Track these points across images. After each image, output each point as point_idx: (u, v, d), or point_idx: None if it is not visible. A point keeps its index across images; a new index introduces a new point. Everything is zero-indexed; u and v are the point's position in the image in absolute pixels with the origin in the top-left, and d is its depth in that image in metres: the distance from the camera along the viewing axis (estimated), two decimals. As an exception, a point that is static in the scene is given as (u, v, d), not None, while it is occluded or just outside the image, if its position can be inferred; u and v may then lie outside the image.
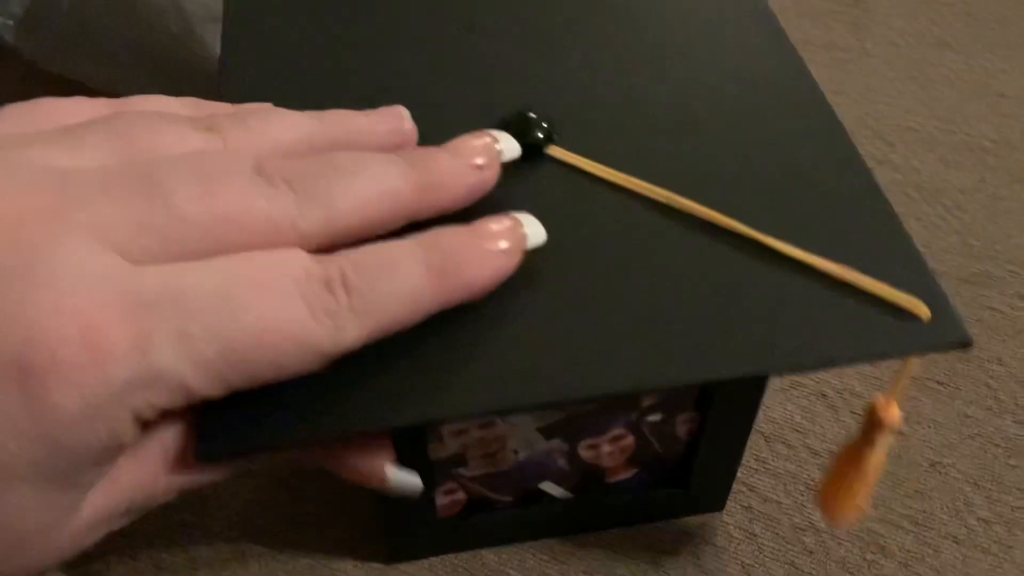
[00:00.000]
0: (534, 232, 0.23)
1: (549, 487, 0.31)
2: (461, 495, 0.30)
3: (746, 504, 0.34)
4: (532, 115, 0.25)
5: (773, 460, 0.35)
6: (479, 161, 0.23)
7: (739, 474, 0.35)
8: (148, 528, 0.33)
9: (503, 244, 0.22)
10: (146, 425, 0.19)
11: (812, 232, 0.24)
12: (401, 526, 0.31)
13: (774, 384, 0.38)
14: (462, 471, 0.29)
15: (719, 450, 0.31)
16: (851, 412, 0.37)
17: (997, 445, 0.36)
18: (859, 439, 0.24)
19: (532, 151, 0.25)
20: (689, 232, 0.24)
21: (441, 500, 0.30)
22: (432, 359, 0.21)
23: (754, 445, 0.36)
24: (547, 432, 0.28)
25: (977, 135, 0.50)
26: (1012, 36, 0.57)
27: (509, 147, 0.24)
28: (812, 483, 0.35)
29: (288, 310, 0.18)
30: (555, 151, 0.25)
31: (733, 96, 0.28)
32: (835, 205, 0.25)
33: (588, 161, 0.25)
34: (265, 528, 0.33)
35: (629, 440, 0.30)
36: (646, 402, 0.28)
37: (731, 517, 0.34)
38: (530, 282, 0.23)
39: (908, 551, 0.32)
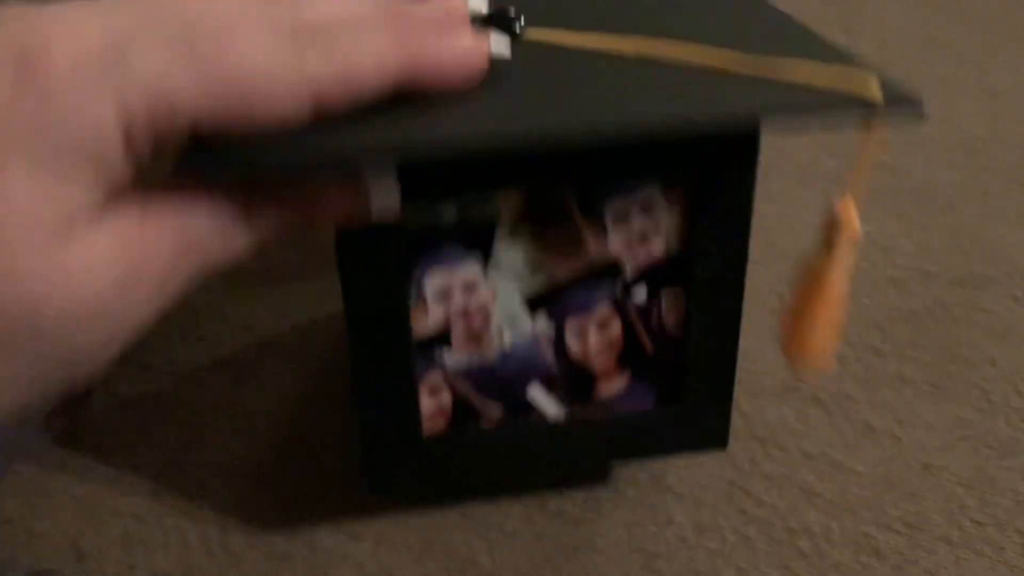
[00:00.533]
0: (497, 42, 0.24)
1: (538, 394, 0.30)
2: (446, 397, 0.30)
3: (740, 507, 0.34)
4: (511, 11, 0.28)
5: (767, 463, 0.36)
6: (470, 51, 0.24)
7: (732, 477, 0.35)
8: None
9: (468, 42, 0.23)
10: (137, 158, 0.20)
11: (756, 51, 0.25)
12: (384, 445, 0.29)
13: (768, 388, 0.38)
14: (446, 357, 0.29)
15: (709, 346, 0.30)
16: (845, 415, 0.37)
17: (990, 447, 0.36)
18: (819, 249, 0.23)
19: (512, 35, 0.27)
20: (663, 66, 0.25)
21: (426, 404, 0.30)
22: (419, 112, 0.23)
23: (748, 447, 0.36)
24: (531, 303, 0.28)
25: (969, 134, 0.50)
26: (1004, 34, 0.57)
27: (497, 43, 0.25)
28: (805, 485, 0.35)
29: (254, 38, 0.21)
30: (532, 33, 0.27)
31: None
32: (775, 43, 0.26)
33: (562, 33, 0.27)
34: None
35: (616, 327, 0.29)
36: (628, 269, 0.28)
37: (726, 520, 0.34)
38: (511, 73, 0.25)
39: (901, 554, 0.33)
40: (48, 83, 0.19)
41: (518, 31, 0.27)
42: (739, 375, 0.39)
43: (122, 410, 0.39)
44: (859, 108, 0.22)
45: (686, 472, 0.35)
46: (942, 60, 0.55)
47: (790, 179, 0.48)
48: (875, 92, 0.21)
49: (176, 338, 0.41)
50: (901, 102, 0.21)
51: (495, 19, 0.28)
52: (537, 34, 0.27)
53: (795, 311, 0.24)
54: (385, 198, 0.24)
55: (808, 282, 0.23)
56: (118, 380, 0.40)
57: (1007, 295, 0.42)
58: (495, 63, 0.24)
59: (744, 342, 0.40)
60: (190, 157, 0.21)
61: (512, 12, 0.28)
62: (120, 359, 0.40)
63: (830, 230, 0.23)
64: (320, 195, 0.23)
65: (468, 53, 0.23)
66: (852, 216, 0.22)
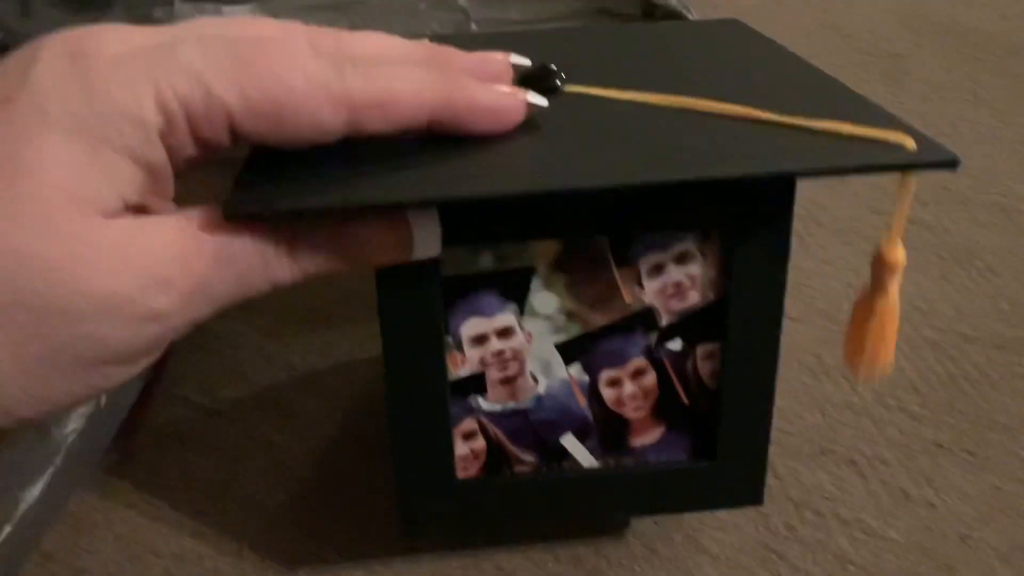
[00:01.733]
0: (535, 97, 0.25)
1: (571, 443, 0.30)
2: (480, 442, 0.30)
3: (775, 572, 0.34)
4: (552, 66, 0.29)
5: (802, 528, 0.36)
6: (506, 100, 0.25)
7: (767, 540, 0.35)
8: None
9: (506, 88, 0.25)
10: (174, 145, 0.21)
11: (793, 109, 0.26)
12: (418, 488, 0.30)
13: (804, 450, 0.38)
14: (481, 402, 0.29)
15: (744, 400, 0.30)
16: (880, 481, 0.37)
17: (1028, 519, 0.36)
18: (870, 287, 0.25)
19: (552, 90, 0.28)
20: (697, 118, 0.26)
21: (460, 449, 0.30)
22: (462, 158, 0.24)
23: (783, 511, 0.36)
24: (565, 351, 0.29)
25: (1010, 195, 0.50)
26: (1047, 93, 0.57)
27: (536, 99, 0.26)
28: (840, 552, 0.35)
29: (296, 54, 0.22)
30: (571, 88, 0.28)
31: (716, 60, 0.32)
32: (813, 98, 0.27)
33: (599, 88, 0.28)
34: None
35: (651, 378, 0.30)
36: (663, 320, 0.29)
37: (759, 585, 0.34)
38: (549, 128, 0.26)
39: (937, 627, 0.33)
40: (94, 70, 0.21)
41: (559, 85, 0.28)
42: (775, 435, 0.38)
43: (165, 446, 0.39)
44: (894, 160, 0.23)
45: (720, 534, 0.35)
46: (984, 117, 0.55)
47: (831, 236, 0.49)
48: (910, 144, 0.22)
49: (219, 375, 0.42)
50: (936, 154, 0.23)
51: (538, 73, 0.29)
52: (577, 88, 0.28)
53: (855, 338, 0.26)
54: (427, 239, 0.25)
55: (863, 314, 0.25)
56: (161, 416, 0.40)
57: (1047, 363, 0.41)
58: (537, 114, 0.26)
59: (781, 402, 0.40)
60: (237, 197, 0.22)
61: (554, 67, 0.29)
62: (163, 395, 0.41)
63: (880, 270, 0.25)
64: (365, 234, 0.24)
65: (505, 98, 0.24)
66: (899, 254, 0.24)
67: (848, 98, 0.27)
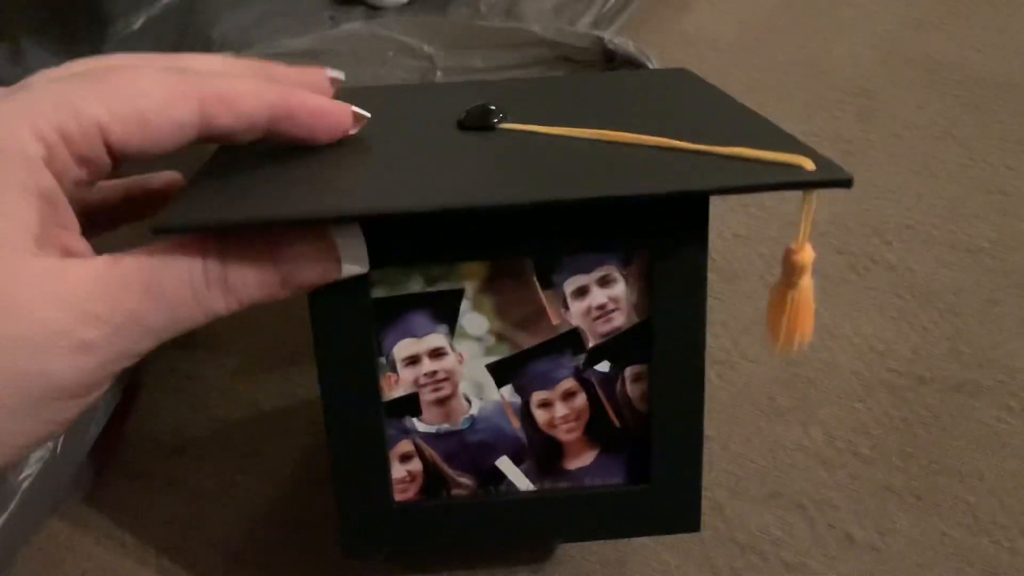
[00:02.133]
0: (360, 109, 0.28)
1: (507, 466, 0.31)
2: (417, 464, 0.31)
3: (717, 616, 0.35)
4: (491, 106, 0.31)
5: (747, 572, 0.36)
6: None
7: (712, 585, 0.35)
8: None
9: (331, 99, 0.28)
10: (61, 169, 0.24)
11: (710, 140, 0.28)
12: (357, 510, 0.31)
13: (753, 492, 0.39)
14: (416, 423, 0.30)
15: (674, 421, 0.31)
16: (828, 524, 0.38)
17: (972, 565, 0.36)
18: (781, 285, 0.27)
19: (489, 127, 0.31)
20: (619, 148, 0.28)
21: (397, 471, 0.31)
22: (386, 179, 0.27)
23: (729, 554, 0.37)
24: (496, 372, 0.30)
25: (975, 234, 0.50)
26: (1020, 131, 0.57)
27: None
28: (783, 598, 0.35)
29: (144, 69, 0.25)
30: (507, 125, 0.31)
31: (644, 96, 0.35)
32: (733, 131, 0.29)
33: (533, 126, 0.30)
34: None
35: (581, 399, 0.31)
36: (590, 342, 0.30)
37: (701, 629, 0.34)
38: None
39: (874, 673, 0.33)
40: None
41: (495, 122, 0.31)
42: (725, 478, 0.39)
43: (132, 484, 0.41)
44: (792, 178, 0.25)
45: (665, 577, 0.36)
46: (954, 155, 0.56)
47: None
48: (809, 165, 0.25)
49: (187, 415, 0.43)
50: (831, 173, 0.25)
51: (476, 111, 0.30)
52: (512, 126, 0.30)
53: (773, 321, 0.28)
54: (353, 255, 0.27)
55: (778, 307, 0.28)
56: (129, 454, 0.42)
57: (1001, 405, 0.42)
58: (467, 144, 0.28)
59: (732, 444, 0.41)
60: (162, 216, 0.24)
61: (492, 107, 0.30)
62: (132, 433, 0.42)
63: (791, 272, 0.27)
64: (290, 253, 0.25)
65: (333, 105, 0.28)
66: (809, 256, 0.27)
67: (766, 130, 0.29)
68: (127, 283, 0.23)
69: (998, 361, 0.44)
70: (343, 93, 0.32)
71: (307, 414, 0.43)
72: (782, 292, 0.27)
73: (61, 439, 0.34)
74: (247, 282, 0.25)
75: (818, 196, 0.25)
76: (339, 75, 0.29)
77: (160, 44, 0.53)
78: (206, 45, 0.55)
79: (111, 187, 0.30)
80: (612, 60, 0.45)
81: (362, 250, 0.27)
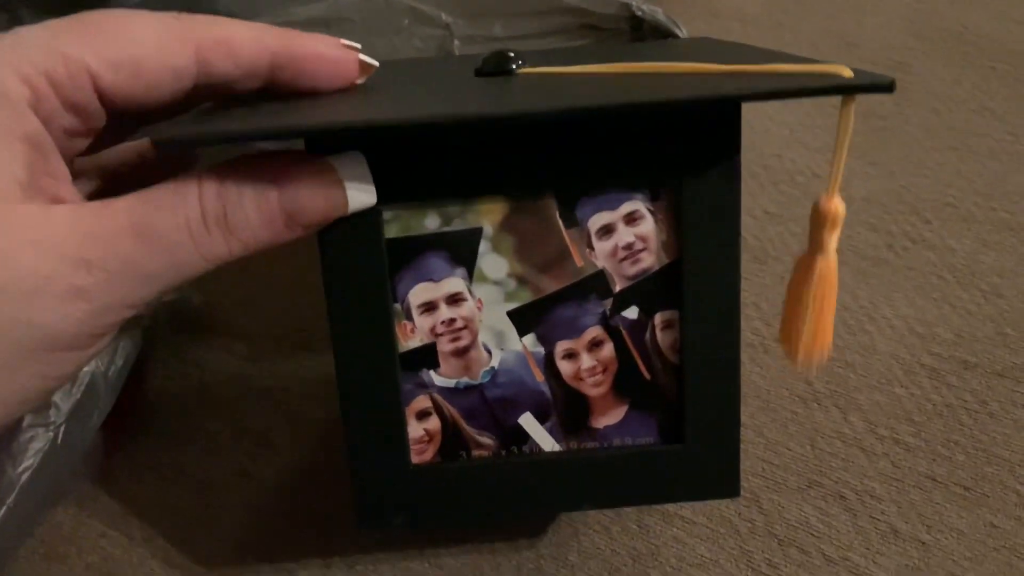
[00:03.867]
0: (368, 57, 0.27)
1: (530, 424, 0.29)
2: (435, 422, 0.29)
3: (755, 613, 0.33)
4: (509, 52, 0.30)
5: (786, 566, 0.34)
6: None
7: (749, 580, 0.34)
8: None
9: (340, 42, 0.26)
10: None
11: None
12: (372, 474, 0.29)
13: (791, 483, 0.37)
14: (434, 376, 0.29)
15: (708, 377, 0.29)
16: (870, 516, 0.36)
17: (1024, 560, 0.34)
18: (808, 247, 0.25)
19: (507, 70, 0.29)
20: (644, 77, 0.27)
21: (414, 430, 0.29)
22: (388, 100, 0.25)
23: (766, 548, 0.35)
24: (518, 320, 0.28)
25: (1019, 213, 0.48)
26: (1061, 104, 0.55)
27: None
28: None
29: (139, 15, 0.24)
30: (525, 70, 0.29)
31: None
32: (763, 58, 0.27)
33: (551, 68, 0.28)
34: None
35: (608, 349, 0.29)
36: (617, 285, 0.28)
37: (738, 627, 0.33)
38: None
39: (923, 675, 0.31)
40: None
41: (514, 68, 0.29)
42: (762, 467, 0.37)
43: (140, 475, 0.39)
44: (829, 83, 0.23)
45: (699, 572, 0.34)
46: (994, 130, 0.53)
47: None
48: (847, 73, 0.23)
49: (196, 405, 0.41)
50: (871, 78, 0.23)
51: (494, 57, 0.28)
52: (531, 70, 0.29)
53: (791, 310, 0.26)
54: (359, 187, 0.25)
55: (804, 282, 0.25)
56: (136, 442, 0.40)
57: (1051, 391, 0.40)
58: (482, 82, 0.27)
59: (768, 432, 0.39)
60: (161, 127, 0.24)
61: (511, 53, 0.29)
62: (139, 421, 0.41)
63: (820, 229, 0.24)
64: (293, 187, 0.24)
65: (340, 49, 0.26)
66: (838, 207, 0.24)
67: (799, 58, 0.27)
68: (119, 227, 0.22)
69: (1046, 345, 0.41)
70: None
71: (319, 402, 0.41)
72: (808, 263, 0.25)
73: (62, 429, 0.32)
74: (249, 220, 0.23)
75: (852, 164, 0.23)
76: (355, 46, 0.28)
77: (165, 16, 0.51)
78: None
79: (124, 149, 0.28)
80: (639, 29, 0.42)
81: (368, 182, 0.25)
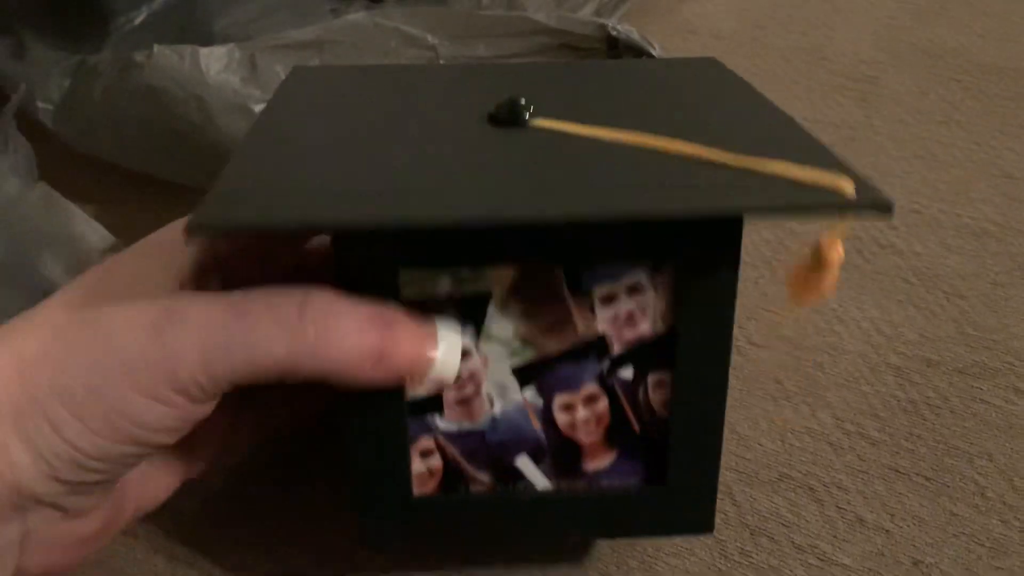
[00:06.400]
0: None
1: (526, 465, 0.31)
2: (437, 461, 0.31)
3: (728, 598, 0.35)
4: (521, 100, 0.31)
5: (757, 554, 0.36)
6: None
7: (722, 567, 0.36)
8: None
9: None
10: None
11: (746, 150, 0.28)
12: (375, 502, 0.31)
13: (762, 476, 0.39)
14: (438, 421, 0.30)
15: (693, 429, 0.31)
16: (837, 507, 0.38)
17: (982, 545, 0.36)
18: (809, 266, 0.27)
19: (520, 122, 0.31)
20: (654, 156, 0.28)
21: (417, 466, 0.31)
22: (423, 189, 0.27)
23: (738, 537, 0.37)
24: (520, 375, 0.30)
25: (981, 218, 0.50)
26: (1023, 115, 0.57)
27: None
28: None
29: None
30: (538, 122, 0.30)
31: (676, 94, 0.35)
32: (768, 139, 0.29)
33: (567, 124, 0.30)
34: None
35: (603, 404, 0.30)
36: (615, 348, 0.30)
37: (712, 611, 0.34)
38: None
39: (886, 653, 0.33)
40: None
41: (526, 118, 0.30)
42: (734, 462, 0.39)
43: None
44: (828, 202, 0.25)
45: (676, 560, 0.36)
46: (958, 139, 0.56)
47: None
48: (849, 189, 0.24)
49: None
50: (873, 202, 0.25)
51: (506, 106, 0.30)
52: (544, 123, 0.30)
53: (796, 285, 0.28)
54: (449, 355, 0.28)
55: (803, 278, 0.28)
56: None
57: (1008, 387, 0.42)
58: (501, 144, 0.29)
59: (740, 428, 0.41)
60: (195, 223, 0.24)
61: (522, 101, 0.30)
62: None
63: (820, 264, 0.27)
64: (398, 331, 0.27)
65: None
66: (840, 253, 0.27)
67: (802, 141, 0.29)
68: (215, 299, 0.26)
69: (1004, 343, 0.44)
70: (354, 70, 0.32)
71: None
72: (807, 274, 0.27)
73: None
74: (344, 335, 0.26)
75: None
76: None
77: (162, 39, 0.53)
78: (208, 39, 0.55)
79: None
80: (615, 48, 0.45)
81: (456, 354, 0.28)
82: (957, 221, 0.50)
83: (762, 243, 0.50)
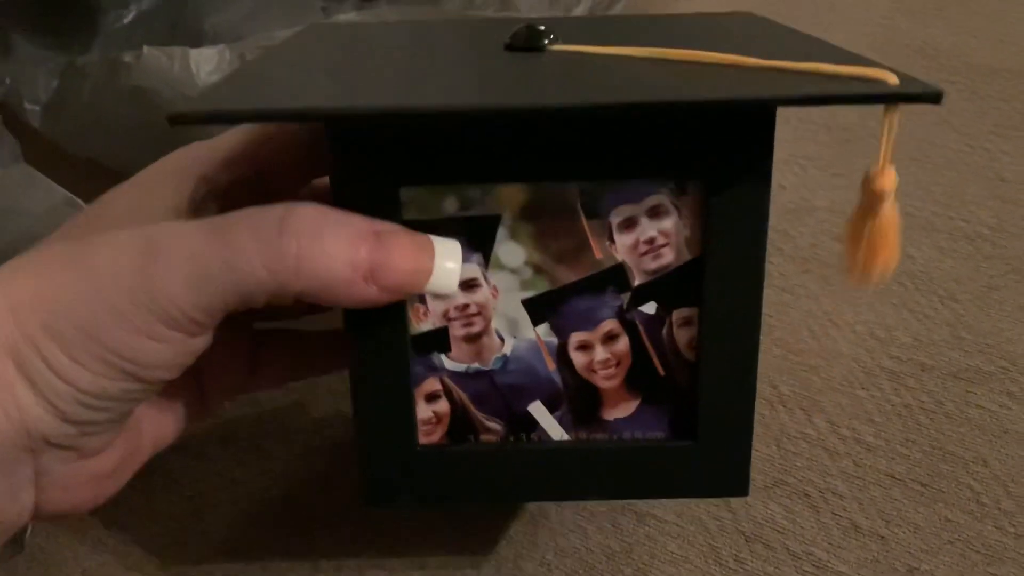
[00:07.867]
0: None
1: (540, 412, 0.29)
2: (444, 405, 0.29)
3: (723, 606, 0.35)
4: (540, 26, 0.30)
5: (752, 561, 0.36)
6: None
7: (716, 573, 0.35)
8: None
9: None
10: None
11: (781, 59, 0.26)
12: (379, 453, 0.29)
13: (758, 482, 0.39)
14: (444, 360, 0.29)
15: (725, 376, 0.28)
16: (832, 513, 0.37)
17: (977, 552, 0.36)
18: (857, 215, 0.25)
19: (539, 47, 0.29)
20: (679, 66, 0.26)
21: (423, 411, 0.29)
22: (428, 84, 0.26)
23: (734, 544, 0.37)
24: (533, 309, 0.28)
25: (975, 221, 0.50)
26: (1016, 117, 0.57)
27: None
28: (789, 587, 0.35)
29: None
30: (556, 47, 0.29)
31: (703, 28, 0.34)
32: (805, 52, 0.27)
33: (584, 47, 0.28)
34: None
35: (623, 343, 0.28)
36: (636, 279, 0.28)
37: (707, 619, 0.34)
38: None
39: (881, 661, 0.33)
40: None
41: (545, 43, 0.29)
42: (729, 468, 0.39)
43: (131, 482, 0.40)
44: (875, 91, 0.23)
45: (671, 568, 0.36)
46: (952, 141, 0.56)
47: (789, 263, 0.49)
48: (892, 79, 0.23)
49: (186, 412, 0.43)
50: (918, 87, 0.22)
51: (525, 32, 0.30)
52: (563, 47, 0.29)
53: (851, 254, 0.26)
54: (446, 270, 0.26)
55: (858, 237, 0.25)
56: (129, 452, 0.41)
57: (1002, 391, 0.42)
58: (517, 62, 0.28)
59: (736, 433, 0.40)
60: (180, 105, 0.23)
61: (541, 27, 0.30)
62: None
63: (870, 199, 0.25)
64: (391, 246, 0.25)
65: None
66: (890, 179, 0.24)
67: (846, 55, 0.26)
68: (195, 224, 0.25)
69: (999, 347, 0.44)
70: (373, 27, 0.32)
71: (308, 411, 0.42)
72: (859, 223, 0.25)
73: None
74: (328, 254, 0.24)
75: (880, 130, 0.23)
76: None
77: (151, 37, 0.53)
78: (197, 38, 0.54)
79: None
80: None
81: (456, 270, 0.26)
82: (951, 224, 0.50)
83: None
